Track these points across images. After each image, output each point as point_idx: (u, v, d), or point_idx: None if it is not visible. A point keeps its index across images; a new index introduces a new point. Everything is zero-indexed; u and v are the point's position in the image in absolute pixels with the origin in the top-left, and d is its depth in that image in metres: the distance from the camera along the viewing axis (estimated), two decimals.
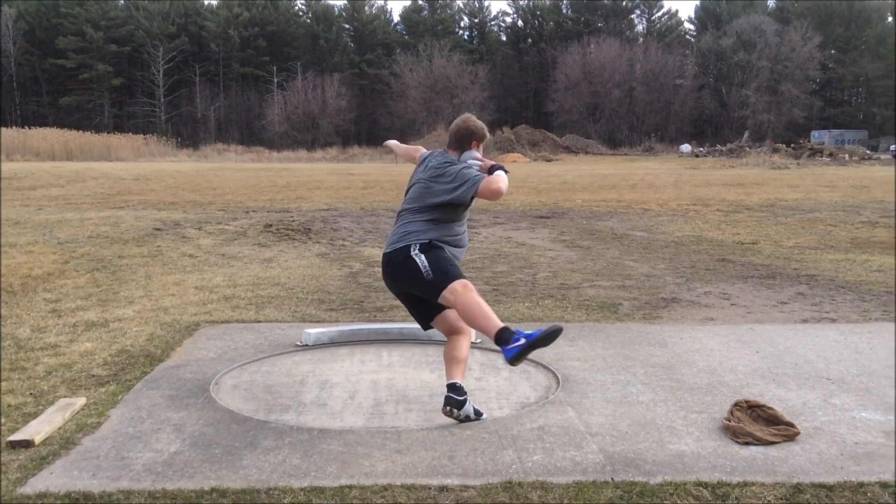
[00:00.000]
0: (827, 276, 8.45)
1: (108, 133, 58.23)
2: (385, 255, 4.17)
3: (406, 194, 4.31)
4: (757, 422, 3.85)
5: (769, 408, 3.94)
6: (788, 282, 8.10)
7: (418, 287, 4.03)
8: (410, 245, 4.01)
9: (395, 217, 4.30)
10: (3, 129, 52.79)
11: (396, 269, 4.09)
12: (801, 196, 19.35)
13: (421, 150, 4.66)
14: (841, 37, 74.49)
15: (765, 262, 9.45)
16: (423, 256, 3.97)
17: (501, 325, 3.80)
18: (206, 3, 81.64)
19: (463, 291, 3.86)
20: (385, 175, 29.31)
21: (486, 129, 4.32)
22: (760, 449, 3.61)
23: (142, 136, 58.68)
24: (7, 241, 10.85)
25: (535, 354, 5.15)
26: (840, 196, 19.36)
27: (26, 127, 55.27)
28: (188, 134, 70.54)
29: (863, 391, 4.47)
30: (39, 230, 12.15)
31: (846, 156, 43.38)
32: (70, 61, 70.76)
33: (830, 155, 43.63)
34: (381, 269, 4.35)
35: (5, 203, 16.89)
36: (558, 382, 4.64)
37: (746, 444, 3.65)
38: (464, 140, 4.26)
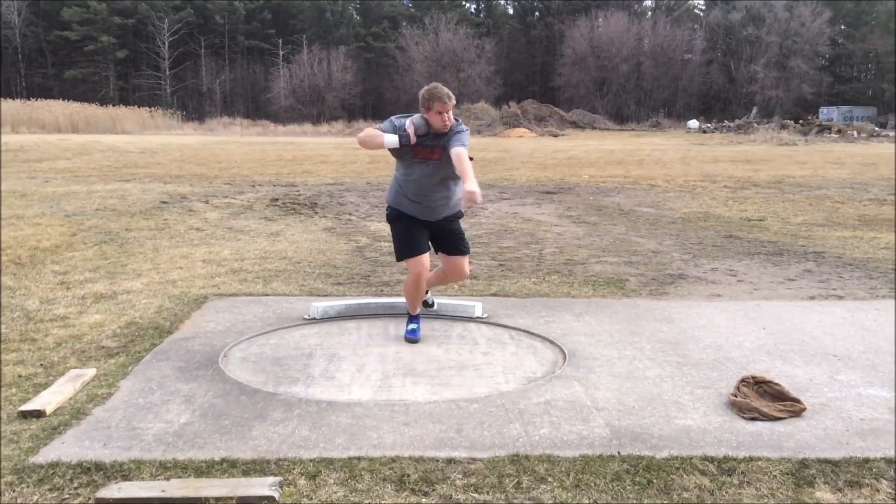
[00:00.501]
0: (834, 253, 8.43)
1: (114, 106, 58.08)
2: None
3: None
4: (763, 398, 3.87)
5: (775, 384, 3.96)
6: (795, 259, 8.09)
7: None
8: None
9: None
10: (9, 101, 52.73)
11: None
12: (808, 173, 19.26)
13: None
14: (851, 12, 73.70)
15: (772, 238, 9.43)
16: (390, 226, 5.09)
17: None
18: None
19: (410, 272, 4.99)
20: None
21: (427, 95, 4.66)
22: (766, 424, 3.63)
23: (147, 108, 58.50)
24: (14, 213, 10.88)
25: (542, 329, 5.21)
26: (848, 173, 19.27)
27: (32, 99, 55.16)
28: (193, 107, 70.33)
29: (869, 368, 4.48)
30: (47, 202, 12.17)
31: (855, 132, 43.08)
32: (74, 33, 70.40)
33: (839, 131, 43.34)
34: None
35: (13, 175, 16.91)
36: (565, 357, 4.65)
37: (753, 419, 3.67)
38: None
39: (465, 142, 4.62)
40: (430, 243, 5.02)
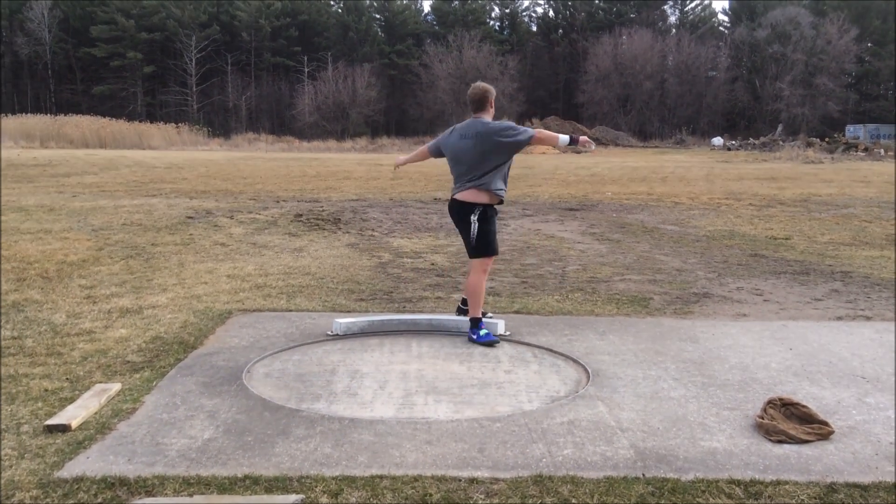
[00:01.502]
0: (862, 272, 8.33)
1: (141, 121, 58.80)
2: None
3: (451, 155, 5.48)
4: (790, 420, 3.81)
5: (803, 406, 3.90)
6: (822, 278, 7.99)
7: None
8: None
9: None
10: (38, 115, 53.61)
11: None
12: (835, 191, 19.07)
13: (427, 145, 5.85)
14: (878, 30, 73.03)
15: (798, 257, 9.33)
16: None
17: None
18: None
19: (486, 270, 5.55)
20: (414, 166, 29.21)
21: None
22: (794, 447, 3.58)
23: (174, 124, 59.15)
24: (42, 227, 11.02)
25: (566, 348, 5.18)
26: (875, 192, 19.05)
27: (61, 114, 55.99)
28: (219, 123, 71.00)
29: None
30: (74, 217, 12.32)
31: (881, 151, 42.60)
32: (100, 50, 71.51)
33: (865, 150, 42.89)
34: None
35: (41, 189, 17.15)
36: (588, 376, 4.62)
37: (780, 442, 3.62)
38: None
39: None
40: None
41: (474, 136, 5.28)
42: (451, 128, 5.60)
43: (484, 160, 5.28)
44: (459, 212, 5.44)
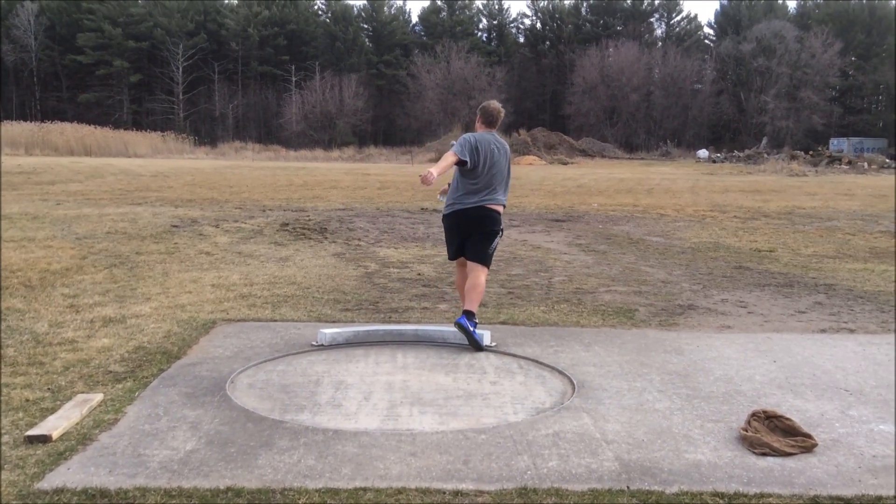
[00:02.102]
0: (845, 285, 8.38)
1: (126, 129, 58.55)
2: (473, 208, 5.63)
3: (487, 167, 5.56)
4: (774, 432, 3.82)
5: (787, 419, 3.92)
6: (806, 291, 8.04)
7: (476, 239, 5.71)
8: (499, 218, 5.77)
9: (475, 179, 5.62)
10: (24, 123, 53.28)
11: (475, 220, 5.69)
12: (819, 204, 19.22)
13: (452, 150, 5.59)
14: (861, 44, 73.79)
15: (782, 270, 9.39)
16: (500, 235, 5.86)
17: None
18: (225, 1, 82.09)
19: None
20: (401, 175, 29.34)
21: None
22: (778, 460, 3.59)
23: (160, 132, 58.96)
24: (26, 235, 10.94)
25: (551, 359, 5.18)
26: (859, 205, 19.21)
27: (46, 122, 55.68)
28: (206, 131, 70.81)
29: (881, 403, 4.43)
30: (58, 225, 12.24)
31: (865, 164, 43.01)
32: (87, 57, 71.23)
33: (849, 163, 43.29)
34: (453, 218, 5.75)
35: (25, 197, 17.03)
36: (574, 388, 4.62)
37: (763, 454, 3.63)
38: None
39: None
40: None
41: (505, 151, 5.69)
42: (474, 136, 5.58)
43: (509, 174, 5.78)
44: (486, 221, 5.64)
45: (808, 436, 3.77)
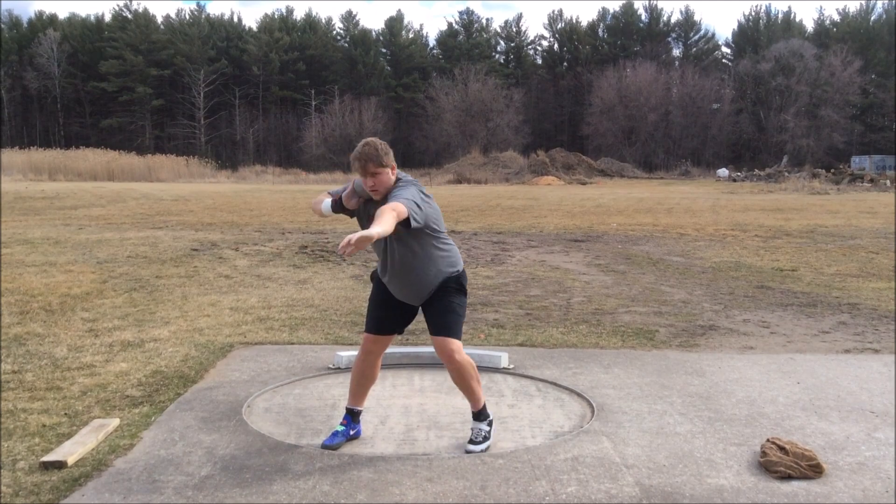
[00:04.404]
0: (869, 304, 8.25)
1: (149, 154, 59.28)
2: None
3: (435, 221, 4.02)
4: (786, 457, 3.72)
5: (796, 447, 3.79)
6: (830, 310, 7.92)
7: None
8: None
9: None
10: (48, 150, 54.15)
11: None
12: (841, 222, 19.01)
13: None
14: (882, 62, 73.45)
15: (805, 289, 9.26)
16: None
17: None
18: (247, 27, 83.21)
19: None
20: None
21: (351, 158, 3.99)
22: (803, 484, 3.50)
23: (182, 157, 59.63)
24: (47, 259, 11.03)
25: (570, 381, 5.11)
26: (881, 222, 18.98)
27: (70, 148, 56.52)
28: (227, 155, 71.60)
29: None
30: (79, 249, 12.34)
31: (887, 181, 42.56)
32: (111, 84, 72.36)
33: (871, 180, 42.88)
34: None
35: (47, 222, 17.21)
36: (593, 411, 4.56)
37: (782, 478, 3.53)
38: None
39: (400, 196, 3.74)
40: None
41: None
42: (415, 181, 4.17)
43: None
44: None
45: (814, 458, 3.66)
